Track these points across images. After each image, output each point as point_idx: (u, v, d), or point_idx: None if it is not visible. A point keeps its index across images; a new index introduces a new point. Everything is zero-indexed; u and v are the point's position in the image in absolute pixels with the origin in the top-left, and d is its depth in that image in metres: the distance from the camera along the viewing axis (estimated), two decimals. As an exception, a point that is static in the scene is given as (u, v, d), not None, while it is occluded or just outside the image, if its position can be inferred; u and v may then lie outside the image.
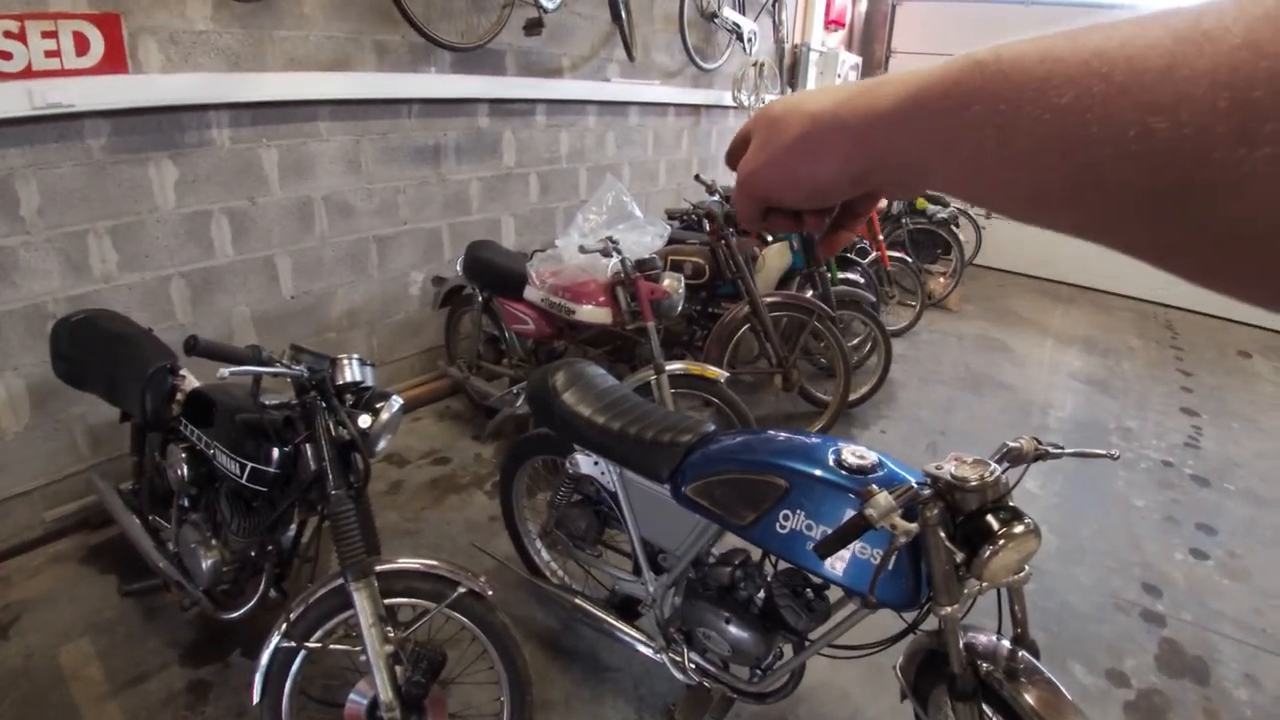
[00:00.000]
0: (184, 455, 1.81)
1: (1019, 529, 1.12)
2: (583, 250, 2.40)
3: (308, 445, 1.53)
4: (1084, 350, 4.80)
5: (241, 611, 1.81)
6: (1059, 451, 1.27)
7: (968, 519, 1.17)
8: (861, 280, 3.97)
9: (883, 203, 4.55)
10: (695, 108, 5.07)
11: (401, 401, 1.60)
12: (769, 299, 3.17)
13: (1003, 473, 1.19)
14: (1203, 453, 3.49)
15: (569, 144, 4.13)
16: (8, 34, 2.01)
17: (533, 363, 3.02)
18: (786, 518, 1.36)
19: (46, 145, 2.17)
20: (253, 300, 2.86)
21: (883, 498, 1.14)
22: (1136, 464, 3.31)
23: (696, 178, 3.55)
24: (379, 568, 1.51)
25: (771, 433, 1.55)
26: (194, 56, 2.42)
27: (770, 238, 3.58)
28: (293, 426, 1.58)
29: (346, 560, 1.46)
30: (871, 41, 7.12)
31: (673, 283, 2.56)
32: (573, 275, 2.58)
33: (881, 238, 4.42)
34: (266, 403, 1.63)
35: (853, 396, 3.62)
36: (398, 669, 1.48)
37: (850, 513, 1.26)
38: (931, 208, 5.13)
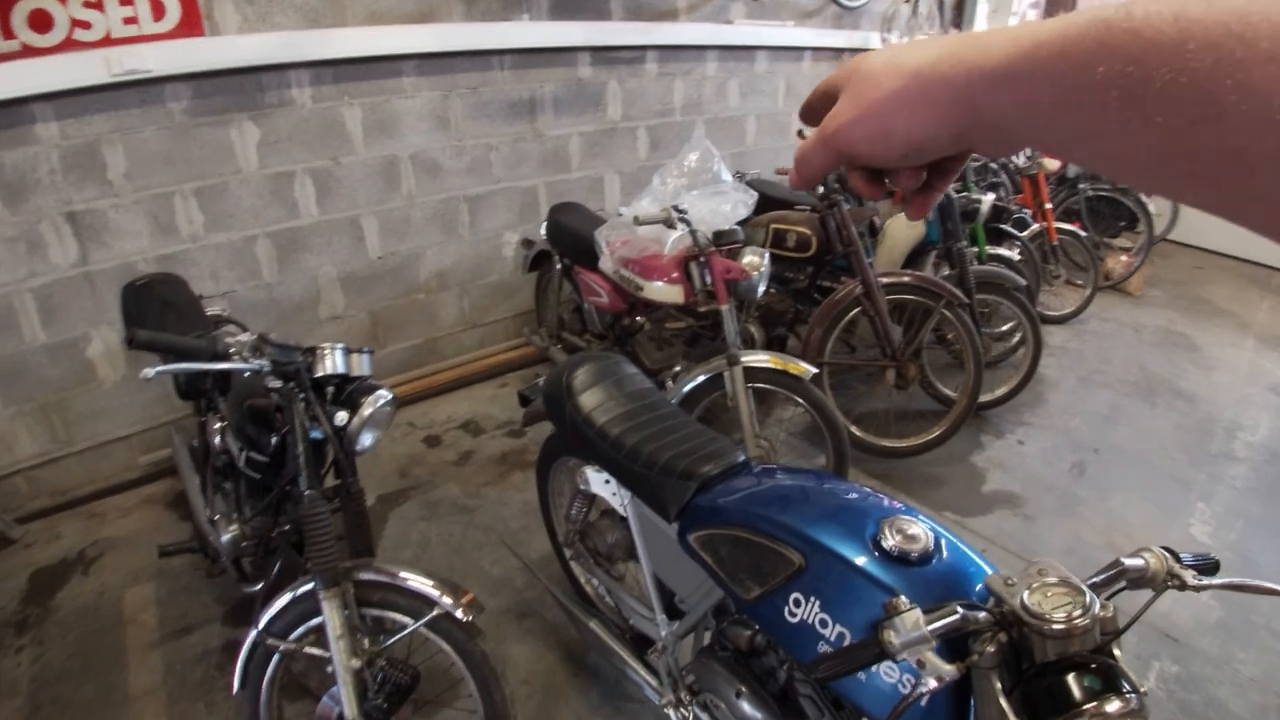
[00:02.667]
0: (218, 427, 1.79)
1: (1114, 706, 0.73)
2: (638, 221, 2.08)
3: (288, 439, 1.42)
4: (1296, 355, 3.74)
5: (259, 587, 1.79)
6: (1203, 583, 0.83)
7: (1041, 671, 0.79)
8: (1017, 257, 3.31)
9: (1055, 164, 3.76)
10: (837, 51, 4.46)
11: (390, 396, 1.44)
12: (889, 279, 2.69)
13: (1103, 607, 0.79)
14: None
15: (684, 94, 3.77)
16: (86, 3, 2.04)
17: (610, 338, 2.79)
18: (798, 603, 1.04)
19: (130, 110, 2.22)
20: (338, 260, 2.86)
21: (910, 618, 0.80)
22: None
23: (799, 134, 3.07)
24: (359, 575, 1.39)
25: (808, 482, 1.21)
26: (271, 15, 2.37)
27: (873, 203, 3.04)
28: (283, 416, 1.47)
29: (315, 566, 1.34)
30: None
31: (754, 259, 2.18)
32: (642, 246, 2.29)
33: (1049, 206, 3.64)
34: (270, 385, 1.54)
35: (989, 396, 3.07)
36: (369, 681, 1.36)
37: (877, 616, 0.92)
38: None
